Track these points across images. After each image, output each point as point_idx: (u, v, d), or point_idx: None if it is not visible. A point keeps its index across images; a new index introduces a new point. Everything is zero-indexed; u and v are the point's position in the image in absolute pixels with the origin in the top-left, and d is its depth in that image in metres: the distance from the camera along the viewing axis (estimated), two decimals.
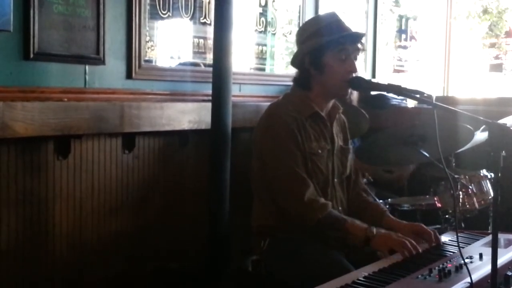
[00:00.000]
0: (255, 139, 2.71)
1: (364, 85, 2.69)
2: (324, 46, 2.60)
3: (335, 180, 2.75)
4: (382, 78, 5.09)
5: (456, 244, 2.20)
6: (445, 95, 5.91)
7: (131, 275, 3.13)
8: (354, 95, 3.91)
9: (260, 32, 3.99)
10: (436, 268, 2.10)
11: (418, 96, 2.34)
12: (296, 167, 2.57)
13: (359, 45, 2.65)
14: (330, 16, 2.73)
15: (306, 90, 2.69)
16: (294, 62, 2.73)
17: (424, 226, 2.62)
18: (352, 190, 2.88)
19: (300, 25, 3.97)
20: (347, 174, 2.85)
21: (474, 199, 3.56)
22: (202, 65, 3.52)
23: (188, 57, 3.47)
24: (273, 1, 4.04)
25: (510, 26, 7.11)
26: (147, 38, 3.17)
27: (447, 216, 3.55)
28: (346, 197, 2.83)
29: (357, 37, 2.66)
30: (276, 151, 2.60)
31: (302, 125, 2.62)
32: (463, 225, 3.51)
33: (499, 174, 1.89)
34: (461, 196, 3.53)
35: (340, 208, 2.74)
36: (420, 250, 2.40)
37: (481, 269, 2.12)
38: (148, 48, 3.19)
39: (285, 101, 2.72)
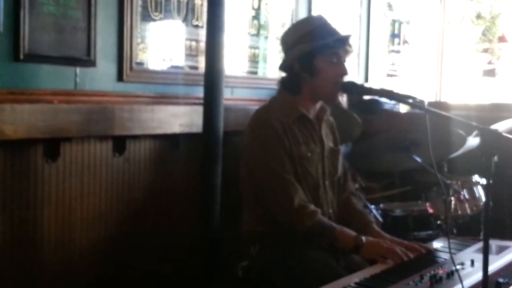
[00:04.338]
0: (242, 144, 2.70)
1: (356, 90, 2.68)
2: (315, 51, 2.58)
3: (326, 182, 2.73)
4: (375, 82, 5.09)
5: (448, 251, 2.19)
6: (438, 100, 5.92)
7: (121, 280, 3.11)
8: (344, 97, 3.89)
9: (253, 35, 3.98)
10: (428, 274, 2.10)
11: (410, 101, 2.33)
12: (284, 172, 2.55)
13: (348, 47, 2.64)
14: (318, 19, 2.72)
15: (295, 94, 2.67)
16: (283, 67, 2.71)
17: (405, 242, 2.59)
18: (341, 194, 2.86)
19: None
20: (338, 176, 2.83)
21: (466, 205, 3.55)
22: (194, 68, 3.50)
23: (180, 60, 3.45)
24: (266, 4, 4.03)
25: (503, 32, 7.13)
26: (139, 40, 3.14)
27: (439, 222, 3.54)
28: (336, 199, 2.81)
29: (347, 39, 2.65)
30: (263, 157, 2.58)
31: (289, 129, 2.60)
32: (455, 231, 3.51)
33: (491, 180, 1.88)
34: (453, 202, 3.53)
35: (330, 210, 2.73)
36: (412, 255, 2.39)
37: (472, 276, 2.11)
38: (140, 50, 3.16)
39: (271, 105, 2.71)
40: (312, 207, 2.57)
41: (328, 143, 2.79)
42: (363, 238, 2.50)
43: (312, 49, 2.59)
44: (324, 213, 2.66)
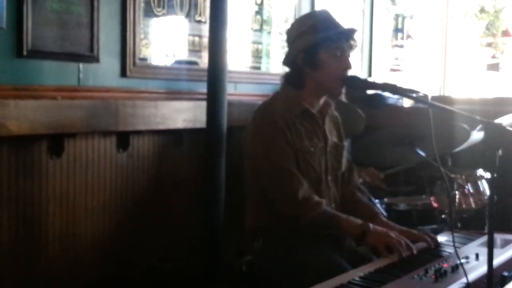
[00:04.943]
0: (245, 140, 2.70)
1: (359, 84, 2.68)
2: (318, 44, 2.58)
3: (329, 177, 2.73)
4: (378, 77, 5.07)
5: (452, 244, 2.19)
6: (441, 94, 5.90)
7: (125, 275, 3.11)
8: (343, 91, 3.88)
9: (256, 30, 3.97)
10: (432, 268, 2.10)
11: (413, 95, 2.33)
12: (288, 165, 2.55)
13: (353, 42, 2.63)
14: (322, 13, 2.72)
15: (299, 88, 2.66)
16: (286, 61, 2.71)
17: (413, 231, 2.59)
18: (345, 188, 2.85)
19: None
20: (342, 171, 2.83)
21: (471, 199, 3.55)
22: (197, 63, 3.50)
23: (183, 55, 3.45)
24: None
25: (507, 26, 7.10)
26: (142, 36, 3.14)
27: (443, 216, 3.54)
28: (339, 194, 2.81)
29: (351, 33, 2.65)
30: (267, 151, 2.58)
31: (292, 124, 2.60)
32: (459, 225, 3.50)
33: (495, 174, 1.88)
34: (457, 196, 3.52)
35: (333, 205, 2.73)
36: (415, 252, 2.38)
37: (477, 269, 2.11)
38: (143, 46, 3.16)
39: (274, 100, 2.70)
40: (317, 198, 2.57)
41: (332, 138, 2.78)
42: (371, 225, 2.49)
43: (315, 42, 2.58)
44: None
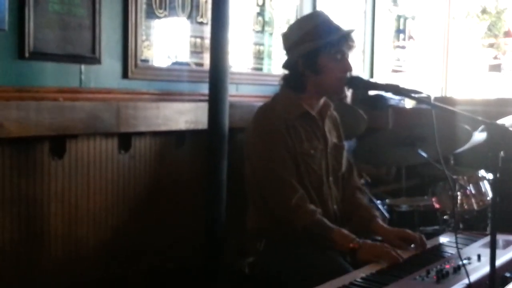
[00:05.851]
0: (246, 142, 2.70)
1: (362, 85, 2.67)
2: (319, 49, 2.57)
3: (330, 178, 2.72)
4: (380, 78, 5.07)
5: (455, 245, 2.19)
6: (443, 95, 5.90)
7: (126, 275, 3.11)
8: (348, 93, 3.88)
9: (258, 31, 3.97)
10: (434, 269, 2.10)
11: (416, 96, 2.32)
12: (284, 172, 2.54)
13: (351, 42, 2.62)
14: (320, 15, 2.69)
15: (300, 92, 2.65)
16: (286, 66, 2.69)
17: (409, 231, 2.57)
18: (346, 188, 2.84)
19: None
20: (342, 172, 2.82)
21: (473, 200, 3.54)
22: (199, 65, 3.50)
23: (185, 57, 3.45)
24: (271, 0, 4.03)
25: (509, 26, 7.09)
26: (144, 38, 3.15)
27: (445, 217, 3.53)
28: (341, 195, 2.80)
29: (350, 35, 2.64)
30: (265, 156, 2.57)
31: (292, 126, 2.59)
32: (461, 226, 3.49)
33: (498, 175, 1.87)
34: (459, 197, 3.51)
35: (335, 206, 2.72)
36: (403, 258, 2.33)
37: (479, 270, 2.11)
38: (145, 47, 3.16)
39: (274, 103, 2.69)
40: (311, 206, 2.54)
41: (332, 139, 2.77)
42: (360, 241, 2.45)
43: (316, 47, 2.57)
44: (328, 210, 2.66)
